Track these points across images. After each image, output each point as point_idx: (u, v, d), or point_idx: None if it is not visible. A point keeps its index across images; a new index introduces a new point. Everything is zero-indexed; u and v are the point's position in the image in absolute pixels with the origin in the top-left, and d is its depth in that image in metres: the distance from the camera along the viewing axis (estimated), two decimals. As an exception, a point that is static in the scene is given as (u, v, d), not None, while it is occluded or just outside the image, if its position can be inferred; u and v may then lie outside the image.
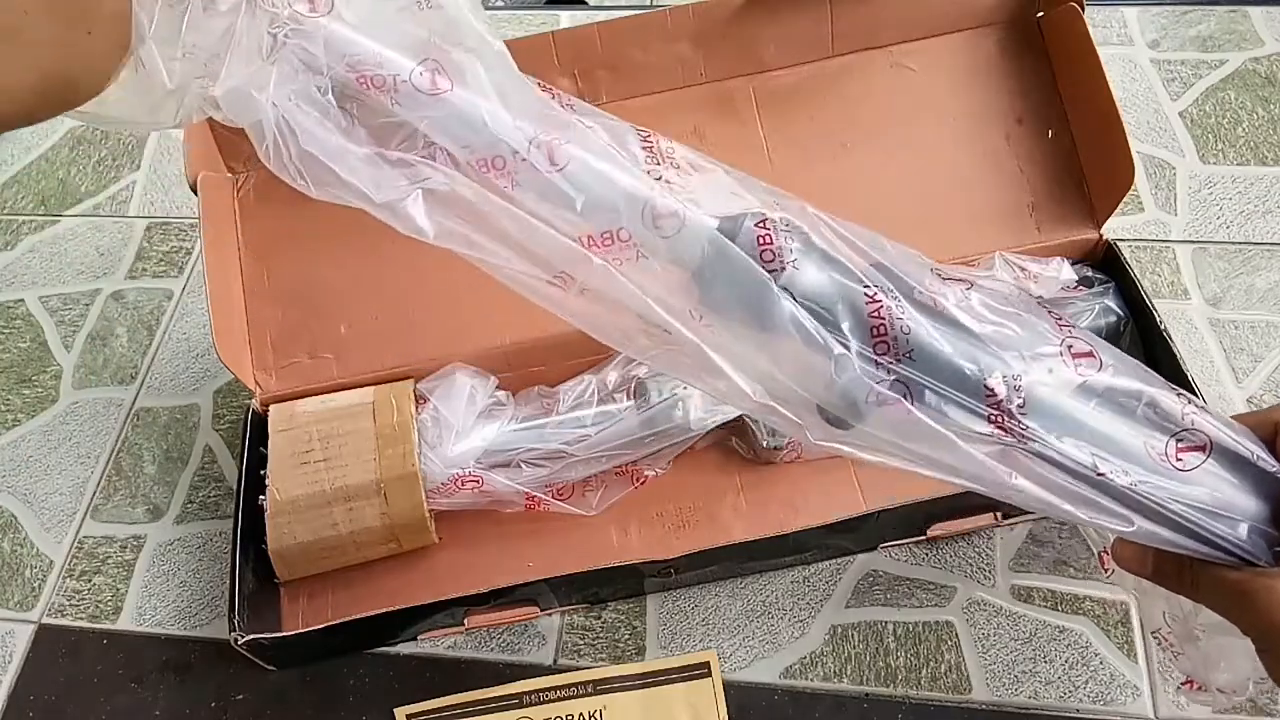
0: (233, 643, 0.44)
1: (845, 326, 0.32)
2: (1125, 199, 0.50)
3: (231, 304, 0.52)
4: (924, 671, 0.47)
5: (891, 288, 0.32)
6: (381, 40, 0.31)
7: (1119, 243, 0.52)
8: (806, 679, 0.47)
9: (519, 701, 0.47)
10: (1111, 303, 0.51)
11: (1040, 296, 0.50)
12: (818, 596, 0.49)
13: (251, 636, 0.44)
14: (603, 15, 0.67)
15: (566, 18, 0.75)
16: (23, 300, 0.66)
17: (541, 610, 0.49)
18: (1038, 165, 0.54)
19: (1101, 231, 0.52)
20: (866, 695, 0.46)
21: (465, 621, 0.49)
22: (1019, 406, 0.32)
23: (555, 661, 0.49)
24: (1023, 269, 0.50)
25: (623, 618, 0.50)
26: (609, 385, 0.50)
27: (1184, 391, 0.34)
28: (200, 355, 0.62)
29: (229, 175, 0.54)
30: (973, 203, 0.53)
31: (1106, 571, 0.41)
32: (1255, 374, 0.54)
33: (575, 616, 0.50)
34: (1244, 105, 0.65)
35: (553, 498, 0.49)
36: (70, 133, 0.75)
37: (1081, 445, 0.32)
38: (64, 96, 0.27)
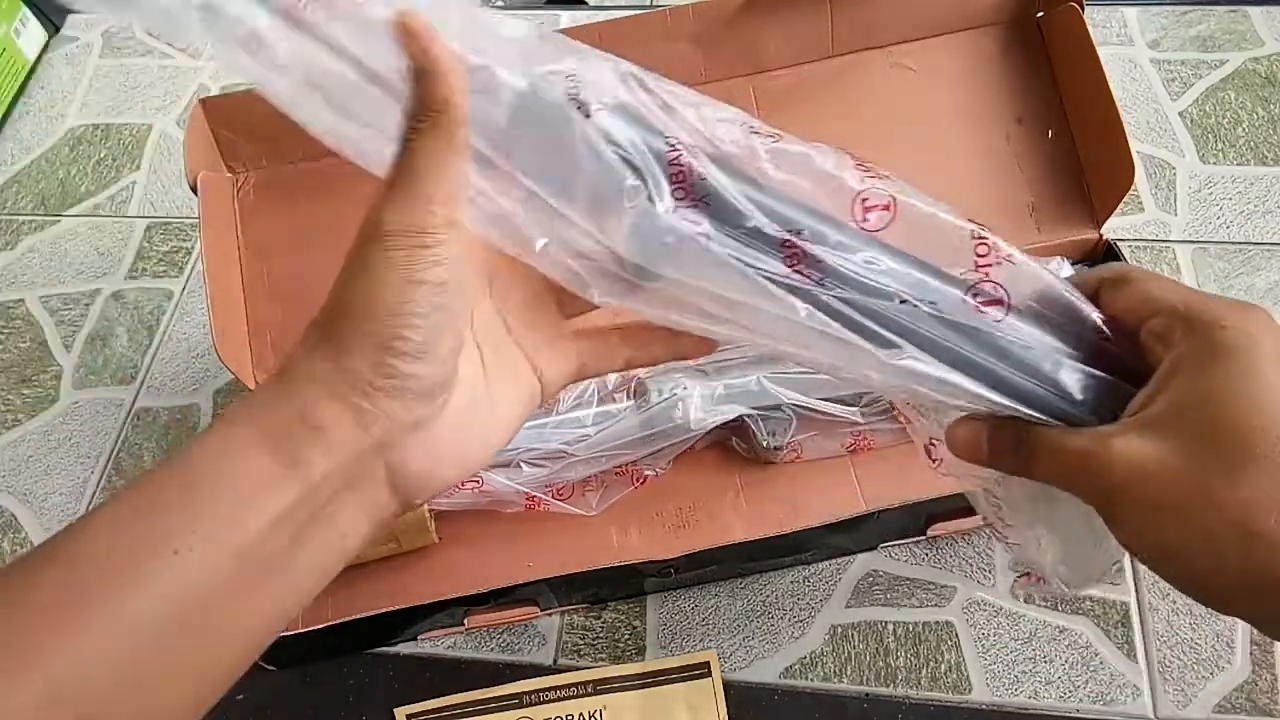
0: (233, 643, 0.44)
1: (643, 166, 0.30)
2: (1125, 199, 0.50)
3: (231, 304, 0.52)
4: (924, 671, 0.47)
5: (692, 144, 0.30)
6: None
7: (1119, 243, 0.52)
8: (806, 679, 0.47)
9: (519, 701, 0.47)
10: (1111, 302, 0.51)
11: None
12: (818, 596, 0.49)
13: (251, 636, 0.44)
14: (603, 15, 0.67)
15: (567, 18, 0.75)
16: (23, 300, 0.66)
17: (541, 610, 0.49)
18: (1038, 165, 0.54)
19: (1101, 231, 0.52)
20: (866, 695, 0.46)
21: (465, 621, 0.48)
22: (816, 257, 0.30)
23: (555, 661, 0.49)
24: (1022, 268, 0.50)
25: (623, 618, 0.50)
26: (609, 385, 0.50)
27: (986, 233, 0.32)
28: (200, 355, 0.62)
29: (229, 175, 0.54)
30: (973, 203, 0.53)
31: (935, 463, 0.36)
32: (1255, 374, 0.54)
33: (575, 616, 0.50)
34: (1244, 105, 0.65)
35: (553, 498, 0.49)
36: (70, 133, 0.75)
37: (886, 290, 0.30)
38: None
